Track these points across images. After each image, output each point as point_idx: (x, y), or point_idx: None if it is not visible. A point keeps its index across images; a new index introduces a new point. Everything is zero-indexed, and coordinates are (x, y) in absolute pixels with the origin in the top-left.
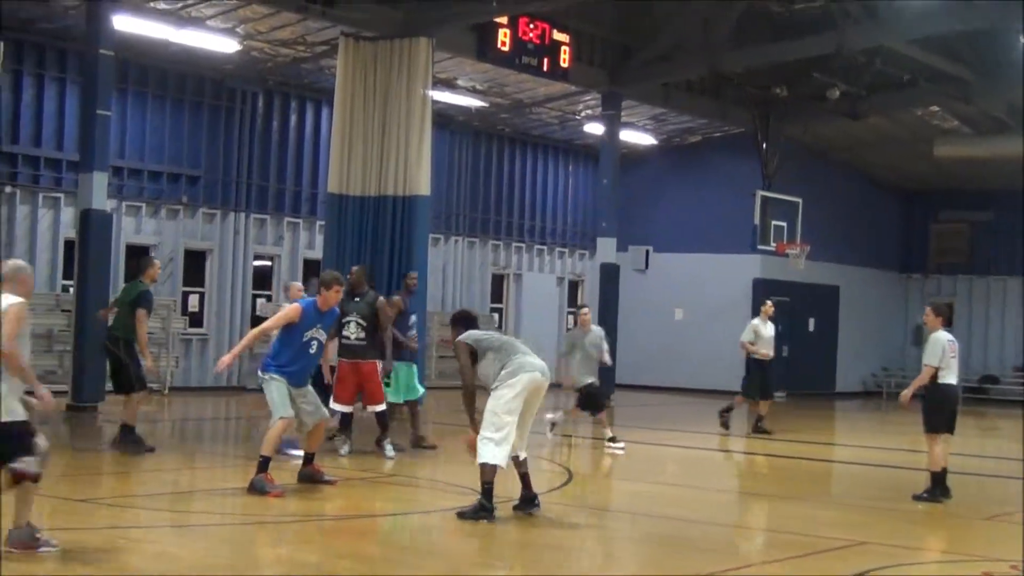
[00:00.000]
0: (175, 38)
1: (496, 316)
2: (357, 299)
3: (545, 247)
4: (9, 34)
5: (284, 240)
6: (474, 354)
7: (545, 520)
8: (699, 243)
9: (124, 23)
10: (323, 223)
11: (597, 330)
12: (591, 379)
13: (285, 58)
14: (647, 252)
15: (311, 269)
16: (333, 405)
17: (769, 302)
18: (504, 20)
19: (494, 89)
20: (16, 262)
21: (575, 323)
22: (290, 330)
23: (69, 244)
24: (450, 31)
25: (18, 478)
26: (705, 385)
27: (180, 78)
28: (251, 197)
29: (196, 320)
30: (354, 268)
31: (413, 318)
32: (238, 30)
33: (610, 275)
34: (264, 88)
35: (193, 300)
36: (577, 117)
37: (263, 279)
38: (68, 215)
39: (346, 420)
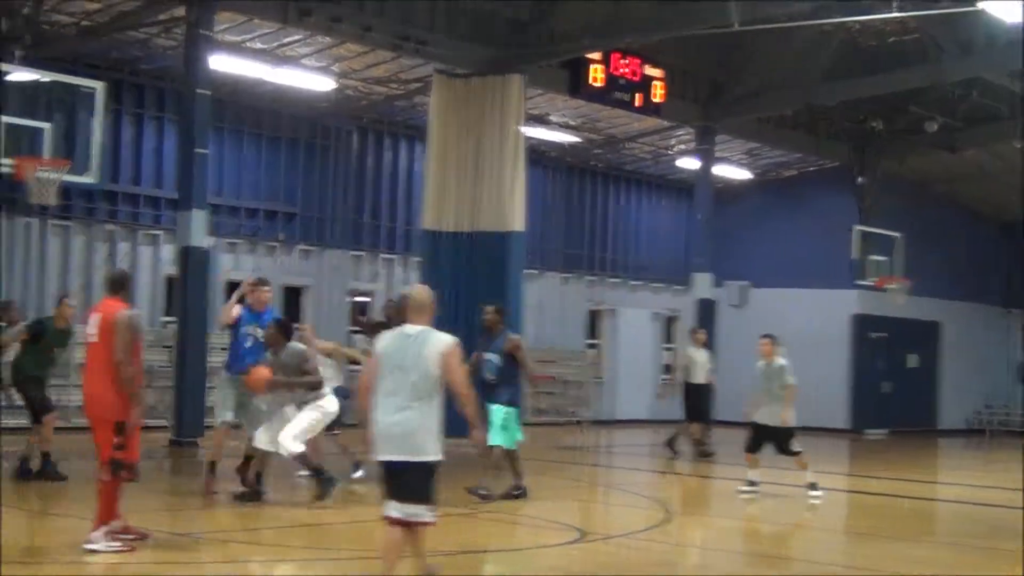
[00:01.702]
0: (271, 77)
1: (592, 352)
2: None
3: (640, 282)
4: (109, 74)
5: (380, 276)
6: None
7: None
8: (796, 278)
9: (221, 63)
10: (418, 259)
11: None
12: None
13: (379, 96)
14: (743, 287)
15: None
16: None
17: (702, 330)
18: (597, 56)
19: (587, 125)
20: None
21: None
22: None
23: (169, 281)
24: (543, 67)
25: None
26: (802, 422)
27: (276, 116)
28: (347, 234)
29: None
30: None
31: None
32: (333, 68)
33: (706, 311)
34: (358, 126)
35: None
36: (670, 152)
37: (364, 313)
38: (168, 252)
39: None
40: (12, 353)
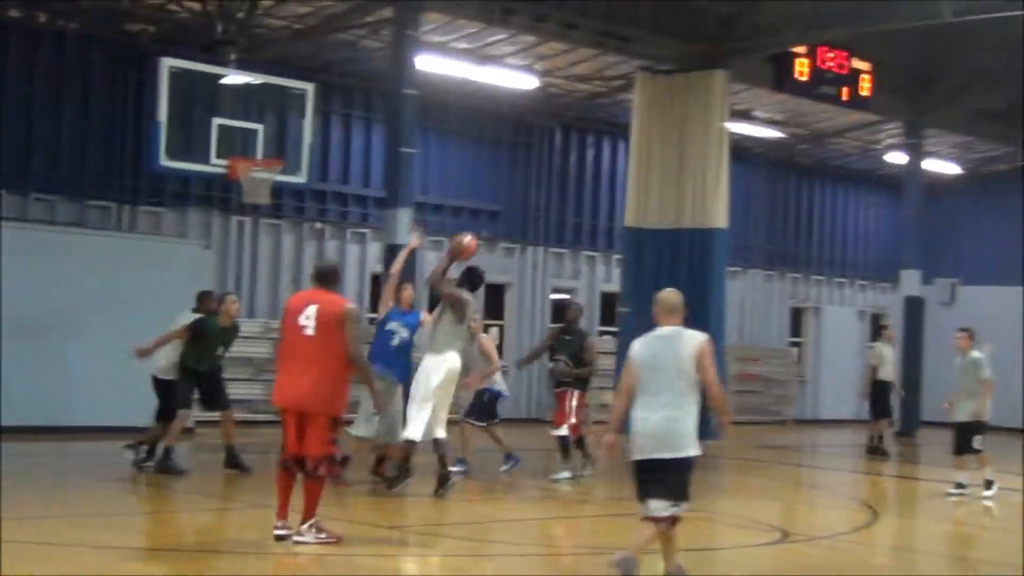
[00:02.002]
0: (475, 76)
1: (795, 350)
2: (568, 336)
3: (845, 280)
4: (318, 76)
5: (581, 273)
6: None
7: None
8: (1010, 275)
9: (426, 63)
10: (620, 256)
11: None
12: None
13: (582, 93)
14: (953, 285)
15: (608, 302)
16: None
17: (891, 328)
18: (802, 50)
19: (792, 120)
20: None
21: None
22: None
23: (375, 278)
24: (747, 62)
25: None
26: (1014, 423)
27: (479, 115)
28: (549, 231)
29: (497, 352)
30: (572, 304)
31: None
32: (536, 67)
33: (914, 309)
34: (561, 123)
35: (492, 333)
36: (878, 147)
37: (560, 312)
38: (374, 250)
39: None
40: (176, 347)
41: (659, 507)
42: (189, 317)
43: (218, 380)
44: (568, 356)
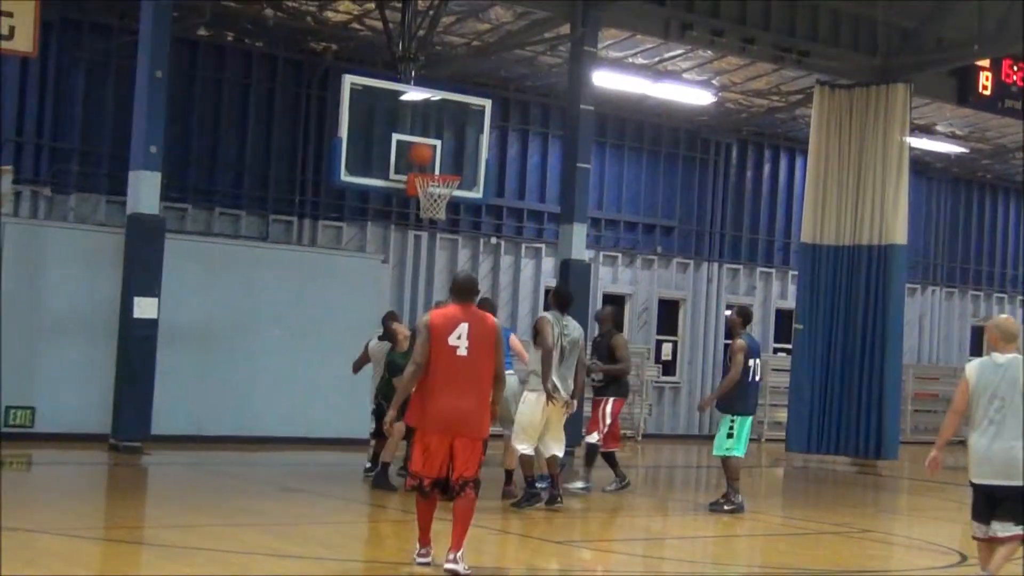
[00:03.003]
0: (652, 92)
1: None
2: (600, 338)
3: None
4: (497, 92)
5: (756, 290)
6: None
7: None
8: None
9: (604, 79)
10: (796, 273)
11: None
12: None
13: (759, 108)
14: None
15: (783, 319)
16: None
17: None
18: (986, 63)
19: (974, 134)
20: None
21: None
22: None
23: (548, 292)
24: (929, 76)
25: None
26: None
27: (656, 130)
28: (724, 247)
29: (669, 368)
30: (603, 310)
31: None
32: (713, 82)
33: None
34: (738, 138)
35: (666, 348)
36: None
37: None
38: (548, 265)
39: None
40: (379, 368)
41: (1001, 528)
42: (381, 345)
43: None
44: (599, 357)
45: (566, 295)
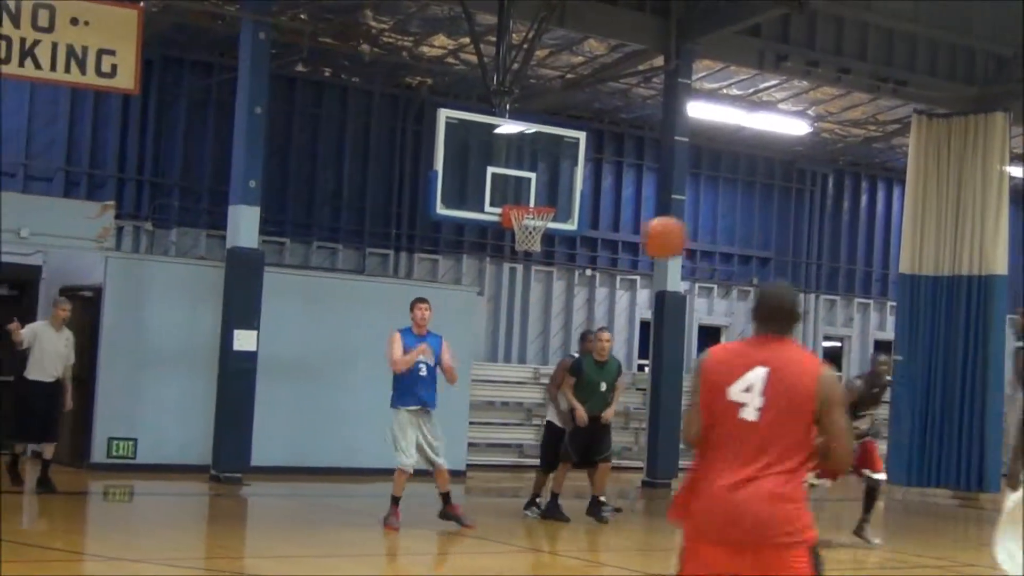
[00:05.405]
0: (747, 122)
1: None
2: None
3: None
4: (591, 124)
5: (854, 321)
6: None
7: None
8: None
9: (698, 110)
10: (894, 304)
11: None
12: None
13: (856, 138)
14: None
15: (882, 350)
16: None
17: None
18: None
19: None
20: None
21: None
22: None
23: (644, 325)
24: None
25: None
26: None
27: (751, 161)
28: (821, 278)
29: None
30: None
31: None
32: (809, 112)
33: None
34: (834, 168)
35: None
36: None
37: (834, 360)
38: (643, 296)
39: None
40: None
41: None
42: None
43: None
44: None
45: None
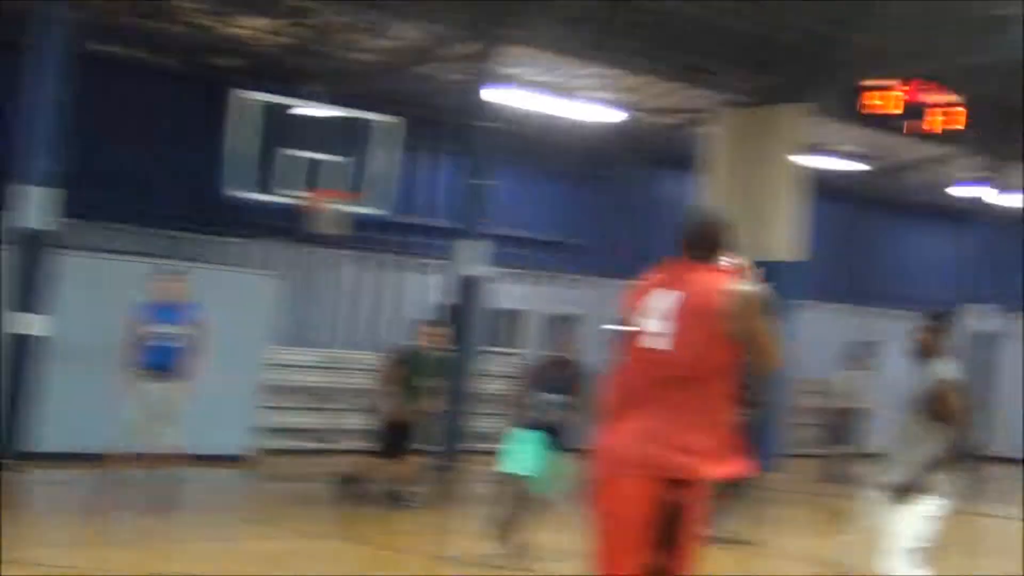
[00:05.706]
0: (556, 110)
1: None
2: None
3: None
4: (402, 109)
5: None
6: None
7: None
8: None
9: (509, 96)
10: None
11: None
12: None
13: (665, 127)
14: None
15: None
16: None
17: None
18: (884, 83)
19: (873, 152)
20: None
21: None
22: None
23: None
24: (827, 95)
25: None
26: None
27: (560, 149)
28: (628, 264)
29: None
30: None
31: None
32: (617, 100)
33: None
34: (643, 157)
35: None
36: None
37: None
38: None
39: None
40: None
41: None
42: None
43: None
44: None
45: None
